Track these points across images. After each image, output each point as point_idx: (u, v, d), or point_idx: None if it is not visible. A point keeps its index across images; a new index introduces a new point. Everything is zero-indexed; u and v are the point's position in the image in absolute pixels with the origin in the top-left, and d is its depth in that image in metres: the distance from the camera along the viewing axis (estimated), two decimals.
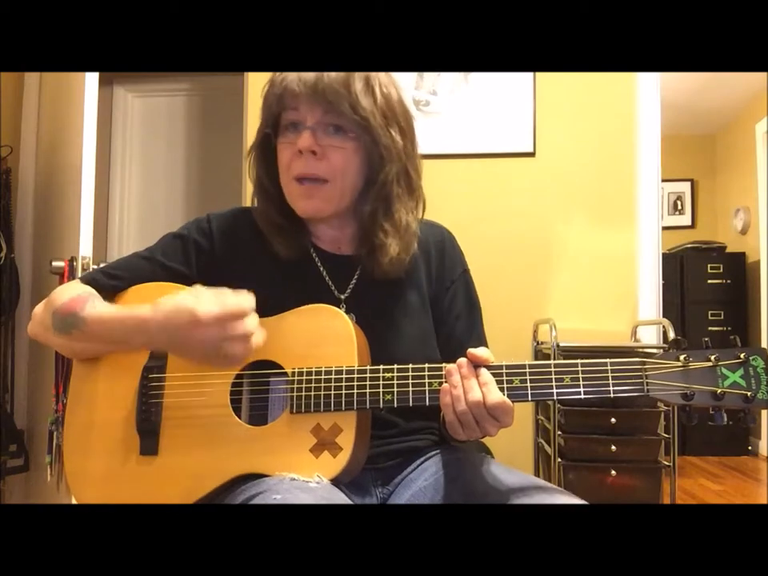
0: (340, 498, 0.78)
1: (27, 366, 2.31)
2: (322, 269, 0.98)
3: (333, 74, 0.89)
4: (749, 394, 0.77)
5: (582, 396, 0.79)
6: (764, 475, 3.79)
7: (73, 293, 0.92)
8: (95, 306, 0.89)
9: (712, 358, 0.78)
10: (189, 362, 0.85)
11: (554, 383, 0.80)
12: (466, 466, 0.91)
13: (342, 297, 0.97)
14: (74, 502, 0.92)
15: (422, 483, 0.90)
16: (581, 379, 0.80)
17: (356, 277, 0.98)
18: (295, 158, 0.91)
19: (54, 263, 1.80)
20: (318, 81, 0.88)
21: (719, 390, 0.77)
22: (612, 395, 0.79)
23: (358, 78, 0.90)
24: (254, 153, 0.98)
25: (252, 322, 0.79)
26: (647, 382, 0.79)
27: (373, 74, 0.92)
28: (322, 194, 0.92)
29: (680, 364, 0.79)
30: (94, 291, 0.94)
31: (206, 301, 0.78)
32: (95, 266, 1.58)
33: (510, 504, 0.80)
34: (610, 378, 0.79)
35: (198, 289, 0.81)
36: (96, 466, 0.89)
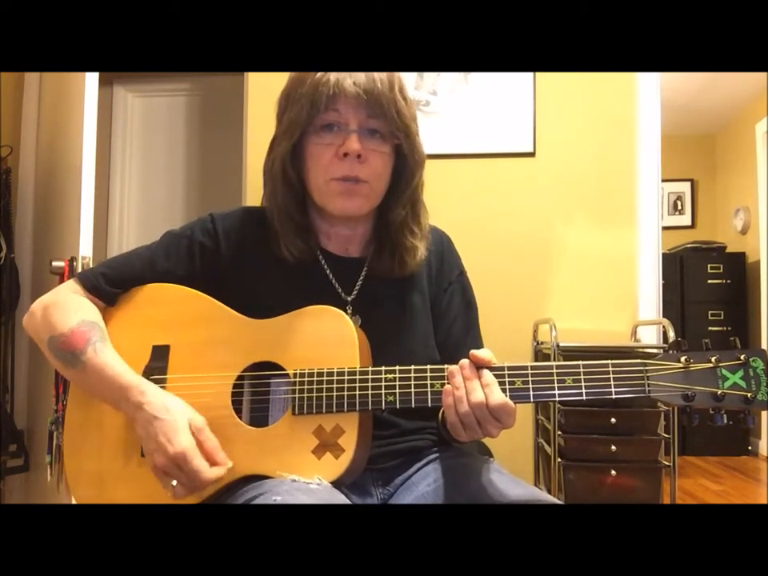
0: (340, 499, 0.78)
1: (27, 366, 2.31)
2: (328, 271, 0.98)
3: (383, 78, 0.90)
4: (749, 395, 0.77)
5: (584, 398, 0.79)
6: (764, 475, 3.79)
7: (74, 319, 0.90)
8: (97, 352, 0.88)
9: (712, 359, 0.79)
10: (194, 360, 0.88)
11: (555, 384, 0.80)
12: (469, 473, 0.90)
13: (349, 299, 0.97)
14: (74, 502, 0.92)
15: (423, 489, 0.90)
16: (582, 380, 0.80)
17: (362, 278, 0.98)
18: (336, 159, 0.91)
19: (54, 263, 1.80)
20: (373, 86, 0.88)
21: (719, 391, 0.77)
22: (613, 396, 0.79)
23: (396, 83, 0.92)
24: (287, 149, 0.93)
25: (203, 485, 0.82)
26: (648, 383, 0.79)
27: (402, 80, 0.94)
28: (362, 193, 0.92)
29: (681, 365, 0.79)
30: (96, 318, 0.92)
31: (187, 439, 0.81)
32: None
33: (509, 504, 0.81)
34: (612, 379, 0.79)
35: (202, 428, 0.83)
36: (97, 467, 0.89)
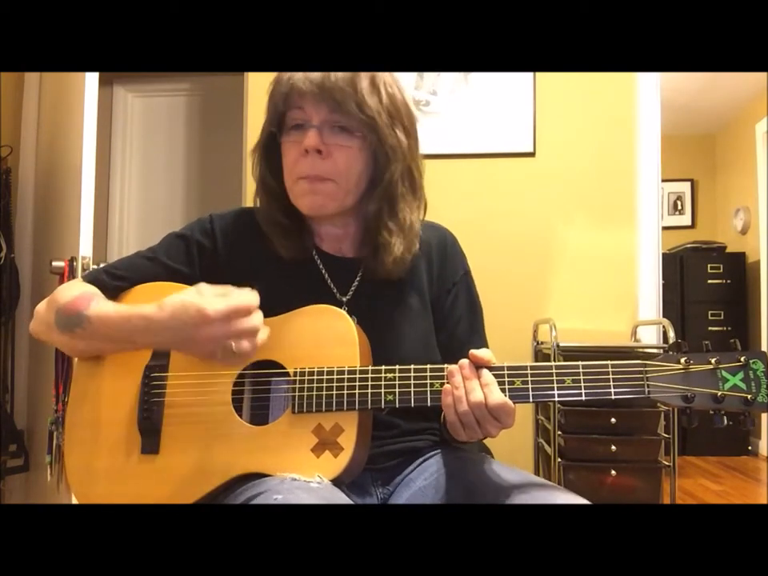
0: (341, 498, 0.78)
1: (27, 366, 2.31)
2: (323, 271, 0.98)
3: (339, 74, 0.88)
4: (749, 396, 0.77)
5: (583, 398, 0.79)
6: (764, 475, 3.79)
7: (76, 291, 0.92)
8: (99, 305, 0.89)
9: (712, 360, 0.78)
10: (194, 359, 0.85)
11: (555, 385, 0.80)
12: (466, 464, 0.91)
13: (344, 299, 0.97)
14: (74, 500, 0.92)
15: (421, 483, 0.90)
16: (582, 381, 0.80)
17: (357, 279, 0.98)
18: (301, 157, 0.91)
19: (54, 263, 1.80)
20: (324, 79, 0.88)
21: (719, 393, 0.77)
22: (613, 397, 0.79)
23: (363, 77, 0.90)
24: (258, 152, 0.97)
25: (258, 318, 0.80)
26: (648, 384, 0.79)
27: (378, 74, 0.92)
28: (326, 191, 0.92)
29: (680, 366, 0.79)
30: (97, 290, 0.94)
31: (213, 298, 0.78)
32: (95, 266, 1.58)
33: (509, 504, 0.81)
34: (611, 380, 0.79)
35: (203, 286, 0.81)
36: (97, 464, 0.90)
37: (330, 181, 0.91)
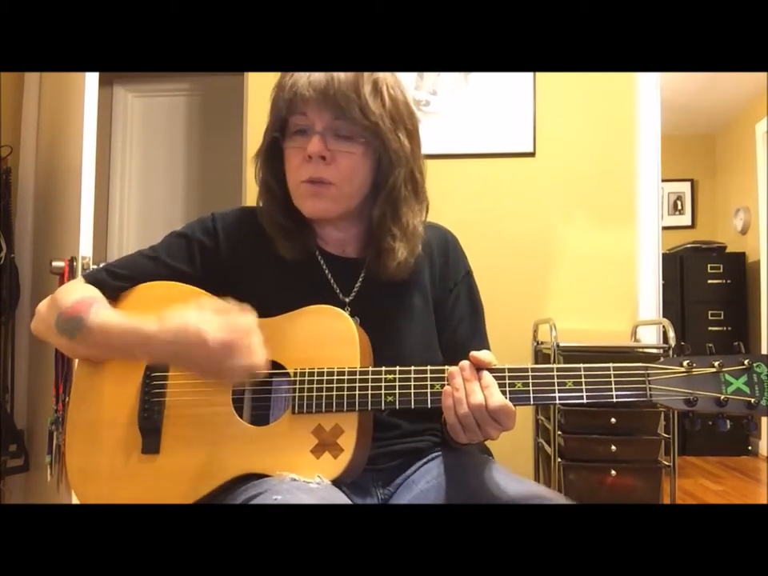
0: (340, 498, 0.78)
1: (27, 365, 2.31)
2: (326, 271, 0.98)
3: (342, 78, 0.88)
4: (752, 400, 0.76)
5: (585, 401, 0.79)
6: (764, 475, 3.79)
7: (77, 295, 0.91)
8: (99, 313, 0.88)
9: (716, 364, 0.78)
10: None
11: (556, 387, 0.80)
12: (469, 471, 0.90)
13: (347, 299, 0.97)
14: (74, 500, 0.92)
15: (423, 486, 0.90)
16: (583, 383, 0.79)
17: (360, 279, 0.98)
18: (304, 162, 0.91)
19: (54, 263, 1.80)
20: (328, 86, 0.87)
21: (722, 397, 0.77)
22: (614, 400, 0.79)
23: (366, 81, 0.90)
24: (260, 156, 0.97)
25: (257, 343, 0.80)
26: (650, 388, 0.78)
27: (380, 76, 0.92)
28: (329, 195, 0.92)
29: (683, 370, 0.78)
30: (99, 294, 0.93)
31: (213, 318, 0.79)
32: (96, 266, 1.58)
33: (510, 504, 0.81)
34: (613, 383, 0.79)
35: (204, 301, 0.81)
36: (98, 464, 0.90)
37: (332, 185, 0.91)
